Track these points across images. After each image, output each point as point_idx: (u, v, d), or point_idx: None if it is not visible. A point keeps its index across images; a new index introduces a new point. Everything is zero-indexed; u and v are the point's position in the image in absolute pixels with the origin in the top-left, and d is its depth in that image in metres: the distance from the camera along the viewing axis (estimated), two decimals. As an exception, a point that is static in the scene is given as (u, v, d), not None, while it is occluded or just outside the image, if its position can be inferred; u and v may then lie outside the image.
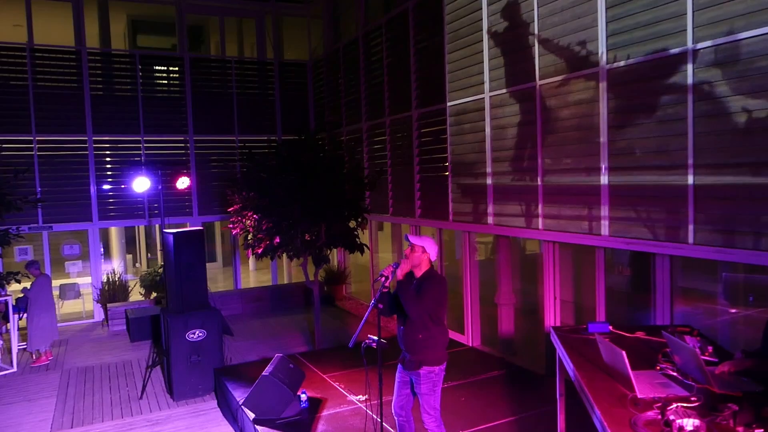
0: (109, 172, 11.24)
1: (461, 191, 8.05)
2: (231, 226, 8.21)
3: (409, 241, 4.24)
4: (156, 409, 6.97)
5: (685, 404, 2.90)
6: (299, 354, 7.74)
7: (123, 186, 11.15)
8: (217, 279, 15.12)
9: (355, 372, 6.86)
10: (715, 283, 6.08)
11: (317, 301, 8.51)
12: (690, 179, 5.03)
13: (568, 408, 4.64)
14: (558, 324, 7.16)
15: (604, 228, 5.91)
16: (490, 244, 9.44)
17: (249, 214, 7.70)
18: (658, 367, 3.55)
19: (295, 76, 12.94)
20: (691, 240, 5.07)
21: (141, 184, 7.93)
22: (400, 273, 4.15)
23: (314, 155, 7.81)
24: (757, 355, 3.56)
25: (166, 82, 11.94)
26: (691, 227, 5.06)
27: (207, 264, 7.75)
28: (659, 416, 2.84)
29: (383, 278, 4.12)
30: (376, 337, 4.21)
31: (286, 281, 13.83)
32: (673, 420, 2.70)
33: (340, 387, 6.41)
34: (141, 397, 7.33)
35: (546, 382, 6.72)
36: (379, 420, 4.28)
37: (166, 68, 11.84)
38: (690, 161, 5.02)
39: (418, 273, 4.24)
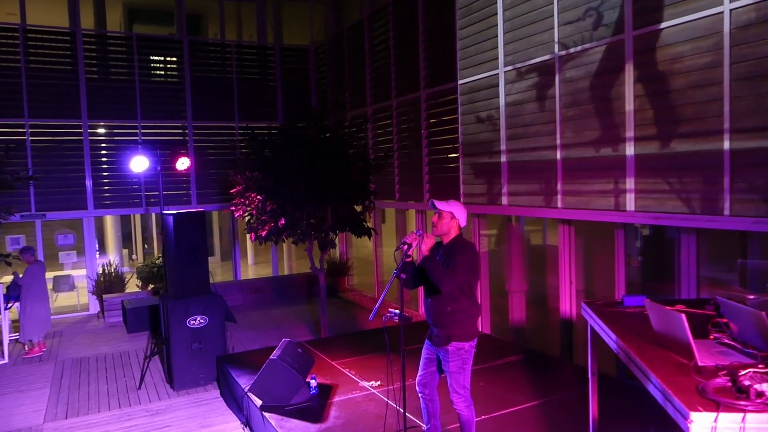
0: (104, 159, 10.87)
1: (473, 172, 7.74)
2: (233, 208, 7.86)
3: (435, 206, 3.91)
4: (155, 399, 6.62)
5: (759, 370, 2.59)
6: (306, 342, 7.40)
7: (119, 173, 10.78)
8: (216, 273, 14.64)
9: (366, 358, 6.53)
10: (730, 273, 5.82)
11: (323, 288, 8.17)
12: (726, 145, 4.73)
13: (584, 396, 4.35)
14: (573, 311, 6.87)
15: (630, 203, 5.60)
16: (494, 236, 9.17)
17: (252, 196, 7.35)
18: (711, 337, 3.23)
19: (297, 61, 12.60)
20: (726, 211, 4.76)
21: (139, 163, 7.58)
22: (425, 247, 3.79)
23: (320, 135, 7.48)
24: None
25: (163, 66, 11.59)
26: (727, 197, 4.76)
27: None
28: (729, 383, 2.52)
29: (406, 246, 3.79)
30: (397, 311, 3.88)
31: (286, 274, 13.49)
32: (750, 385, 2.39)
33: (351, 373, 6.08)
34: (139, 387, 6.98)
35: (564, 365, 6.42)
36: (402, 410, 3.91)
37: (164, 52, 11.47)
38: (726, 126, 4.72)
39: (446, 240, 3.90)
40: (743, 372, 2.55)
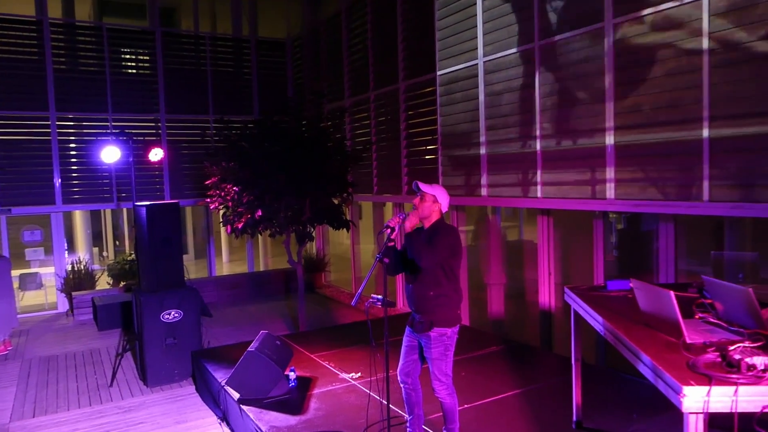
0: (73, 152, 10.55)
1: (452, 164, 7.70)
2: (208, 200, 7.68)
3: (419, 188, 3.84)
4: (128, 396, 6.42)
5: (747, 344, 2.57)
6: (284, 336, 7.27)
7: (89, 166, 10.48)
8: (190, 271, 14.41)
9: (346, 351, 6.43)
10: (704, 266, 5.88)
11: (301, 281, 8.05)
12: (705, 133, 4.76)
13: (565, 384, 4.33)
14: (552, 301, 6.88)
15: (610, 191, 5.61)
16: (471, 232, 9.17)
17: (228, 187, 7.19)
18: (697, 317, 3.22)
19: (273, 54, 12.43)
20: (705, 197, 4.79)
21: (110, 154, 7.34)
22: (408, 225, 3.74)
23: (298, 125, 7.36)
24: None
25: (135, 58, 11.29)
26: (705, 183, 4.79)
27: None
28: (719, 359, 2.50)
29: (389, 230, 3.71)
30: (380, 296, 3.80)
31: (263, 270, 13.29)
32: (741, 359, 2.37)
33: (331, 366, 5.98)
34: (111, 385, 6.77)
35: (545, 355, 6.42)
36: (386, 402, 3.82)
37: (135, 43, 11.18)
38: (705, 113, 4.74)
39: (428, 224, 3.83)
40: (733, 347, 2.54)
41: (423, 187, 3.81)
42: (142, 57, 11.27)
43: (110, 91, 10.75)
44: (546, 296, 6.88)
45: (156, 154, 7.53)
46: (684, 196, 4.96)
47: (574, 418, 4.34)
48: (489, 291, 7.87)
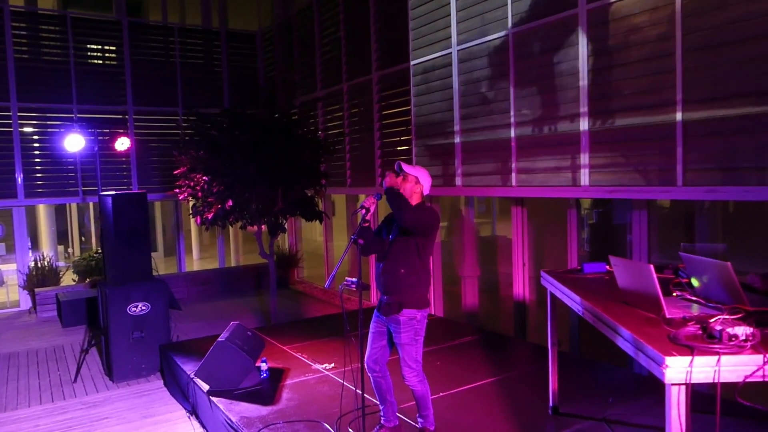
0: (36, 144, 10.19)
1: (427, 154, 7.63)
2: (177, 191, 7.47)
3: (401, 169, 3.74)
4: (93, 392, 6.19)
5: (727, 316, 2.54)
6: (255, 328, 7.10)
7: (53, 159, 10.14)
8: (159, 269, 14.10)
9: (319, 342, 6.31)
10: (674, 260, 5.92)
11: (273, 274, 7.89)
12: (678, 117, 4.77)
13: (541, 371, 4.28)
14: (526, 292, 6.87)
15: (584, 178, 5.60)
16: (444, 228, 9.15)
17: (198, 177, 7.00)
18: (675, 294, 3.19)
19: (244, 46, 12.20)
20: (680, 182, 4.80)
21: (74, 142, 7.07)
22: (387, 181, 3.63)
23: (269, 113, 7.20)
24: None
25: (101, 48, 10.95)
26: (679, 168, 4.80)
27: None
28: (700, 331, 2.46)
29: (363, 210, 3.62)
30: (355, 279, 3.69)
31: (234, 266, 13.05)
32: (722, 329, 2.32)
33: (303, 357, 5.85)
34: (75, 381, 6.53)
35: (519, 344, 6.39)
36: (360, 391, 3.71)
37: (101, 33, 10.85)
38: (679, 97, 4.75)
39: (408, 207, 3.74)
40: (713, 319, 2.50)
41: (406, 167, 3.72)
42: (108, 48, 10.95)
43: (75, 82, 10.42)
44: (520, 287, 6.86)
45: (122, 144, 7.29)
46: (658, 181, 4.96)
47: (551, 404, 4.30)
48: (463, 283, 7.82)
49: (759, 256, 5.43)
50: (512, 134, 6.31)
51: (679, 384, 2.23)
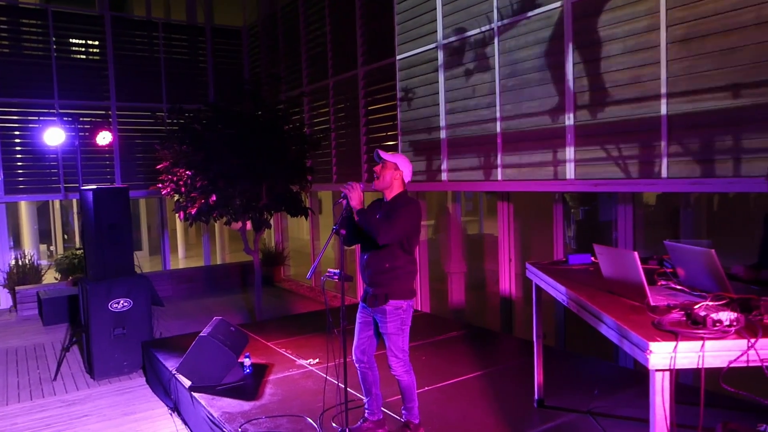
0: (17, 140, 10.02)
1: (413, 149, 7.58)
2: (160, 186, 7.36)
3: (379, 157, 3.68)
4: (73, 390, 6.08)
5: (711, 303, 2.52)
6: (239, 325, 7.02)
7: (34, 155, 9.96)
8: (144, 267, 13.94)
9: (304, 338, 6.25)
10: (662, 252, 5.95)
11: (257, 270, 7.81)
12: (663, 110, 4.76)
13: (527, 365, 4.26)
14: (513, 288, 6.85)
15: (570, 171, 5.58)
16: (431, 226, 9.12)
17: (181, 171, 6.90)
18: (659, 284, 3.17)
19: (229, 42, 12.08)
20: (664, 174, 4.80)
21: (54, 136, 6.94)
22: (354, 202, 3.51)
23: (254, 107, 7.12)
24: (762, 266, 3.28)
25: (84, 43, 10.79)
26: (664, 160, 4.79)
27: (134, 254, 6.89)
28: (684, 318, 2.44)
29: (345, 200, 3.56)
30: (337, 270, 3.63)
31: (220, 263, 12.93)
32: (706, 315, 2.30)
33: (288, 353, 5.78)
34: (55, 378, 6.41)
35: (506, 338, 6.37)
36: (343, 385, 3.65)
37: (83, 28, 10.69)
38: (663, 90, 4.75)
39: (389, 195, 3.68)
40: (697, 306, 2.48)
41: (383, 154, 3.66)
42: (91, 42, 10.79)
43: (57, 77, 10.25)
44: (506, 283, 6.84)
45: (104, 138, 7.17)
46: (643, 174, 4.96)
47: (536, 397, 4.27)
48: (450, 279, 7.79)
49: (744, 255, 5.45)
50: (498, 129, 6.29)
51: (664, 370, 2.20)
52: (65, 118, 7.89)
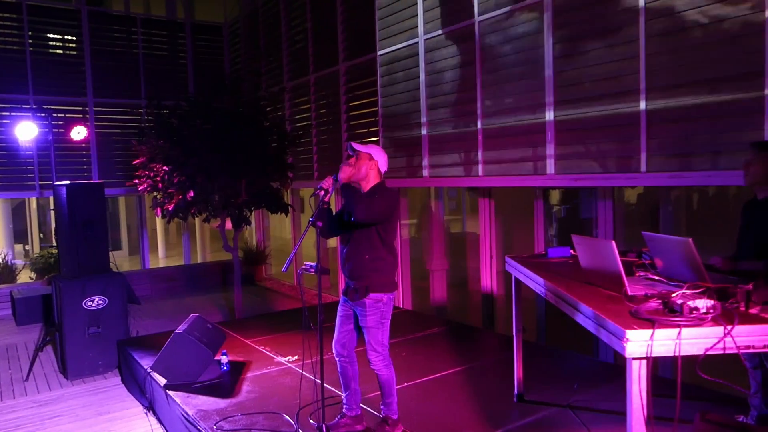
0: (-11, 136, 9.80)
1: (394, 146, 7.53)
2: (137, 181, 7.22)
3: (352, 148, 3.62)
4: (45, 390, 5.94)
5: (688, 291, 2.50)
6: (218, 323, 6.91)
7: (8, 152, 9.72)
8: (124, 267, 13.74)
9: (283, 336, 6.16)
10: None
11: (237, 268, 7.70)
12: (642, 105, 4.76)
13: (507, 361, 4.22)
14: (494, 285, 6.83)
15: (550, 167, 5.57)
16: (413, 225, 9.09)
17: (158, 167, 6.78)
18: (638, 275, 3.16)
19: (210, 38, 11.93)
20: (644, 168, 4.80)
21: (26, 131, 6.78)
22: (343, 176, 3.53)
23: (233, 101, 7.02)
24: (739, 257, 3.30)
25: (60, 38, 10.59)
26: (643, 155, 4.79)
27: (112, 252, 6.74)
28: (661, 306, 2.41)
29: (322, 192, 3.49)
30: (314, 263, 3.57)
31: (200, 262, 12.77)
32: (683, 303, 2.28)
33: (266, 350, 5.70)
34: (27, 379, 6.26)
35: (487, 334, 6.34)
36: (320, 381, 3.58)
37: (59, 22, 10.49)
38: (642, 85, 4.74)
39: (366, 187, 3.62)
40: (674, 294, 2.46)
41: (357, 146, 3.60)
42: (67, 37, 10.60)
43: (31, 71, 10.04)
44: (488, 279, 6.82)
45: (78, 133, 7.02)
46: (623, 168, 4.95)
47: (516, 392, 4.24)
48: (432, 277, 7.75)
49: (723, 253, 5.48)
50: (479, 125, 6.26)
51: (641, 358, 2.17)
52: (39, 114, 7.68)
